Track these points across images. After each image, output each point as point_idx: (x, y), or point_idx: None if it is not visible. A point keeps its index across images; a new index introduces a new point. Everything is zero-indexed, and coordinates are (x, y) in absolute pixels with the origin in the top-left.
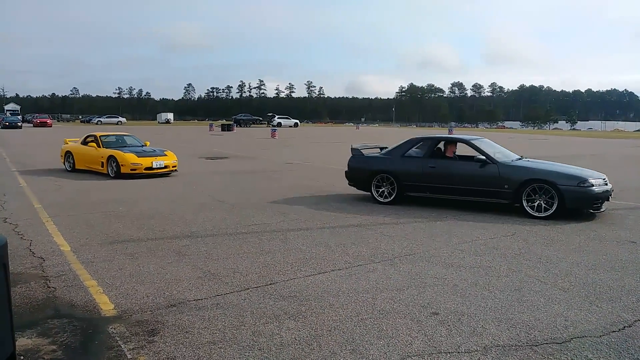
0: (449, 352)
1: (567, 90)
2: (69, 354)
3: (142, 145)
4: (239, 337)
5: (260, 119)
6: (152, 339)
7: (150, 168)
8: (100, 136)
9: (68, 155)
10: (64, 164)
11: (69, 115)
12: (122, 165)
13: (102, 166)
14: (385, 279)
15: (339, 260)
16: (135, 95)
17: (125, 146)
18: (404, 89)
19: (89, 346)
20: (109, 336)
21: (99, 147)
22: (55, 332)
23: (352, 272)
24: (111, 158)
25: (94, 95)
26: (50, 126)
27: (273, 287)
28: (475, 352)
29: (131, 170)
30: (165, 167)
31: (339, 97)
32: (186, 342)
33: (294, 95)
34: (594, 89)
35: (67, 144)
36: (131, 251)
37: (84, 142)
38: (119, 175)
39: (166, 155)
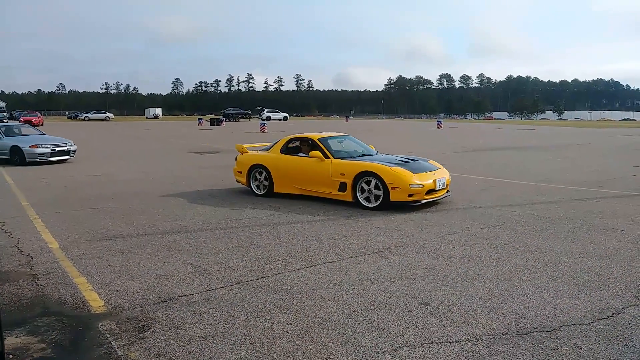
0: (440, 342)
1: (554, 81)
2: (59, 352)
3: (376, 152)
4: (230, 332)
5: (249, 112)
6: (142, 335)
7: (433, 191)
8: (321, 139)
9: (257, 171)
10: (250, 185)
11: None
12: (393, 188)
13: (341, 189)
14: (376, 270)
15: (330, 252)
16: (123, 91)
17: (363, 155)
18: (392, 81)
19: (79, 344)
20: (99, 333)
21: (327, 157)
22: (45, 330)
23: (343, 265)
24: (364, 176)
25: (80, 90)
26: (40, 124)
27: (264, 280)
28: (466, 342)
29: (408, 196)
30: (446, 186)
31: (328, 90)
32: (177, 337)
33: (282, 88)
34: (581, 79)
35: (247, 152)
36: (121, 247)
37: (287, 150)
38: (386, 205)
39: (438, 168)
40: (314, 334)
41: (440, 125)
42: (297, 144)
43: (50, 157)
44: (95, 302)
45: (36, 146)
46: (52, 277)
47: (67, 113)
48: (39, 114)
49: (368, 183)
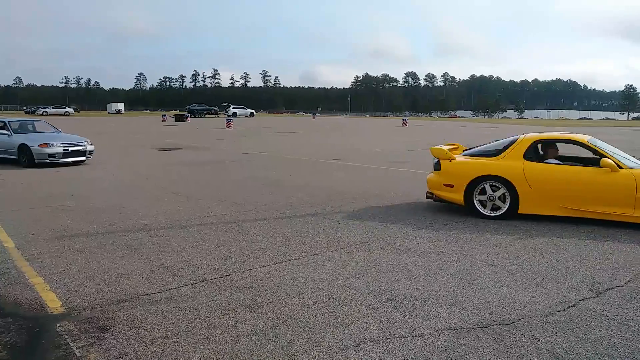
0: (403, 337)
1: (515, 80)
2: (14, 354)
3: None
4: (193, 331)
5: (215, 108)
6: (102, 336)
7: None
8: (592, 141)
9: (489, 186)
10: (471, 203)
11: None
12: None
13: None
14: (341, 266)
15: (296, 249)
16: (84, 85)
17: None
18: (359, 79)
19: (36, 345)
20: (56, 334)
21: (620, 167)
22: None
23: (308, 261)
24: None
25: (39, 84)
26: None
27: (228, 278)
28: (429, 336)
29: None
30: None
31: (295, 87)
32: (138, 337)
33: (249, 85)
34: (540, 79)
35: (455, 159)
36: (80, 246)
37: (535, 156)
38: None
39: None
40: (279, 331)
41: (405, 123)
42: (547, 147)
43: (63, 157)
44: (53, 303)
45: (46, 145)
46: (7, 277)
47: (24, 108)
48: None
49: None
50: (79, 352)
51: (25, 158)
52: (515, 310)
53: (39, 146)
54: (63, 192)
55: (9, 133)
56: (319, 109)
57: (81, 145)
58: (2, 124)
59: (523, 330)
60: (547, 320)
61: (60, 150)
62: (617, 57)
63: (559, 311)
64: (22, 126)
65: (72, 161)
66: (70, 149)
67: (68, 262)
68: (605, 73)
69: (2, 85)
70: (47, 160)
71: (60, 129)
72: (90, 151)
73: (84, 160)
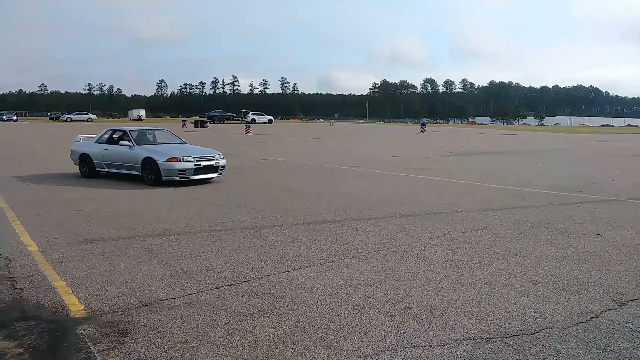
0: (422, 346)
1: (535, 87)
2: (37, 356)
3: None
4: (212, 336)
5: (234, 115)
6: (122, 340)
7: None
8: None
9: None
10: None
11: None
12: None
13: None
14: (359, 274)
15: (313, 256)
16: (106, 92)
17: None
18: (377, 85)
19: (57, 348)
20: (78, 338)
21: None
22: (22, 334)
23: (326, 268)
24: None
25: (63, 91)
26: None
27: (247, 284)
28: (447, 345)
29: None
30: None
31: (313, 93)
32: (158, 342)
33: (267, 91)
34: (561, 85)
35: None
36: (102, 250)
37: None
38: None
39: None
40: (296, 338)
41: (424, 130)
42: None
43: (195, 174)
44: (75, 306)
45: (175, 159)
46: (31, 280)
47: (49, 114)
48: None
49: None
50: (99, 355)
51: (150, 175)
52: (536, 321)
53: (167, 160)
54: (84, 197)
55: (131, 144)
56: (336, 115)
57: (213, 160)
58: (121, 133)
59: (544, 342)
60: (569, 332)
61: (191, 165)
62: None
63: (580, 322)
64: (142, 136)
65: (203, 179)
66: (202, 163)
67: (89, 266)
68: (628, 79)
69: (27, 92)
70: (177, 178)
71: (184, 139)
72: (222, 166)
73: (214, 177)
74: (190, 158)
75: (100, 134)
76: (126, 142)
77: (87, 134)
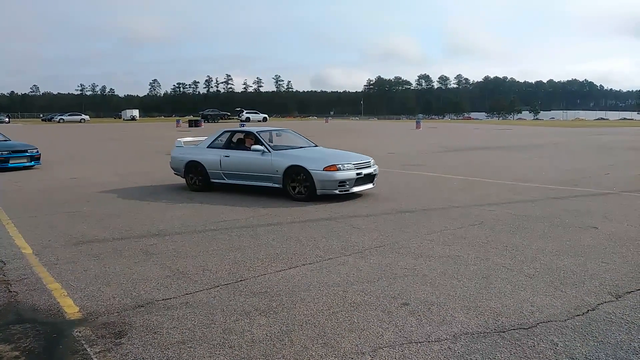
0: (419, 342)
1: (529, 81)
2: (33, 359)
3: None
4: (209, 336)
5: (229, 114)
6: (119, 341)
7: None
8: None
9: None
10: None
11: None
12: None
13: None
14: (356, 271)
15: (310, 254)
16: (99, 92)
17: None
18: (372, 82)
19: (54, 351)
20: (74, 340)
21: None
22: (18, 337)
23: (323, 266)
24: None
25: (55, 92)
26: None
27: (243, 283)
28: (445, 341)
29: None
30: None
31: (308, 91)
32: (154, 342)
33: (262, 89)
34: (555, 80)
35: None
36: (96, 252)
37: None
38: None
39: None
40: (294, 337)
41: (419, 126)
42: None
43: (355, 186)
44: (70, 308)
45: (335, 168)
46: (26, 283)
47: (41, 115)
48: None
49: None
50: (96, 357)
51: (299, 188)
52: (533, 315)
53: (324, 169)
54: (78, 198)
55: (265, 149)
56: (331, 113)
57: (370, 166)
58: (243, 135)
59: (541, 335)
60: (566, 325)
61: (353, 175)
62: (633, 56)
63: (577, 315)
64: (273, 138)
65: (359, 191)
66: (363, 172)
67: (84, 267)
68: (622, 73)
69: (19, 93)
70: (336, 191)
71: (314, 142)
72: (375, 175)
73: (370, 188)
74: (350, 165)
75: (213, 137)
76: (258, 147)
77: (187, 137)
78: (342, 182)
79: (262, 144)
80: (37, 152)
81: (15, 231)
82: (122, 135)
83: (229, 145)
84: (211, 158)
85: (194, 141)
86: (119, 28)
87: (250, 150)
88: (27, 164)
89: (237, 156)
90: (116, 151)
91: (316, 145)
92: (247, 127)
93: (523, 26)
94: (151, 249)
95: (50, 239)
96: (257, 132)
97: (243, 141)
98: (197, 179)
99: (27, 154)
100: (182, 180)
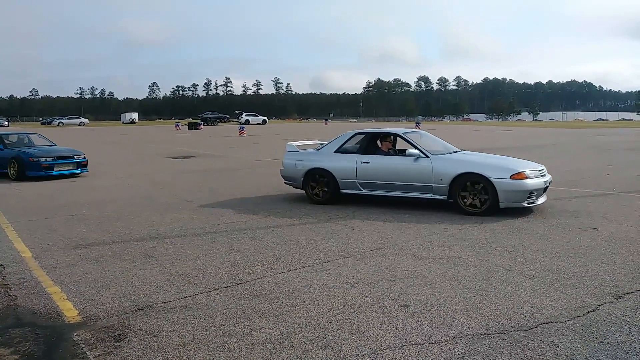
0: (420, 344)
1: (528, 83)
2: None
3: None
4: (208, 339)
5: (228, 116)
6: (118, 345)
7: None
8: None
9: None
10: None
11: None
12: None
13: None
14: (355, 273)
15: (310, 256)
16: (98, 95)
17: None
18: (371, 84)
19: (53, 354)
20: (73, 343)
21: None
22: (17, 341)
23: (322, 268)
24: None
25: (54, 96)
26: None
27: (243, 286)
28: (445, 343)
29: None
30: None
31: (307, 93)
32: (154, 346)
33: (261, 92)
34: (555, 81)
35: None
36: (96, 255)
37: None
38: None
39: None
40: (294, 339)
41: (418, 127)
42: None
43: (540, 196)
44: (70, 312)
45: (524, 176)
46: (25, 286)
47: (40, 119)
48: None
49: None
50: None
51: (471, 199)
52: (534, 316)
53: (511, 178)
54: (77, 201)
55: (422, 153)
56: (331, 115)
57: (546, 174)
58: (390, 137)
59: (542, 336)
60: (566, 326)
61: (541, 183)
62: (632, 57)
63: (578, 316)
64: (419, 140)
65: (542, 203)
66: (544, 180)
67: (84, 271)
68: (621, 73)
69: (18, 97)
70: (524, 204)
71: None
72: (549, 185)
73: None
74: (535, 172)
75: (341, 140)
76: (413, 152)
77: (300, 141)
78: (531, 193)
79: (416, 148)
80: (84, 157)
81: (14, 235)
82: (121, 139)
83: (365, 149)
84: (343, 165)
85: (309, 145)
86: (118, 31)
87: (391, 155)
88: (73, 171)
89: (381, 162)
90: (116, 154)
91: (463, 150)
92: (384, 128)
93: (522, 27)
94: (151, 252)
95: (49, 242)
96: (403, 133)
97: (380, 145)
98: (321, 190)
99: (74, 160)
100: (182, 182)
